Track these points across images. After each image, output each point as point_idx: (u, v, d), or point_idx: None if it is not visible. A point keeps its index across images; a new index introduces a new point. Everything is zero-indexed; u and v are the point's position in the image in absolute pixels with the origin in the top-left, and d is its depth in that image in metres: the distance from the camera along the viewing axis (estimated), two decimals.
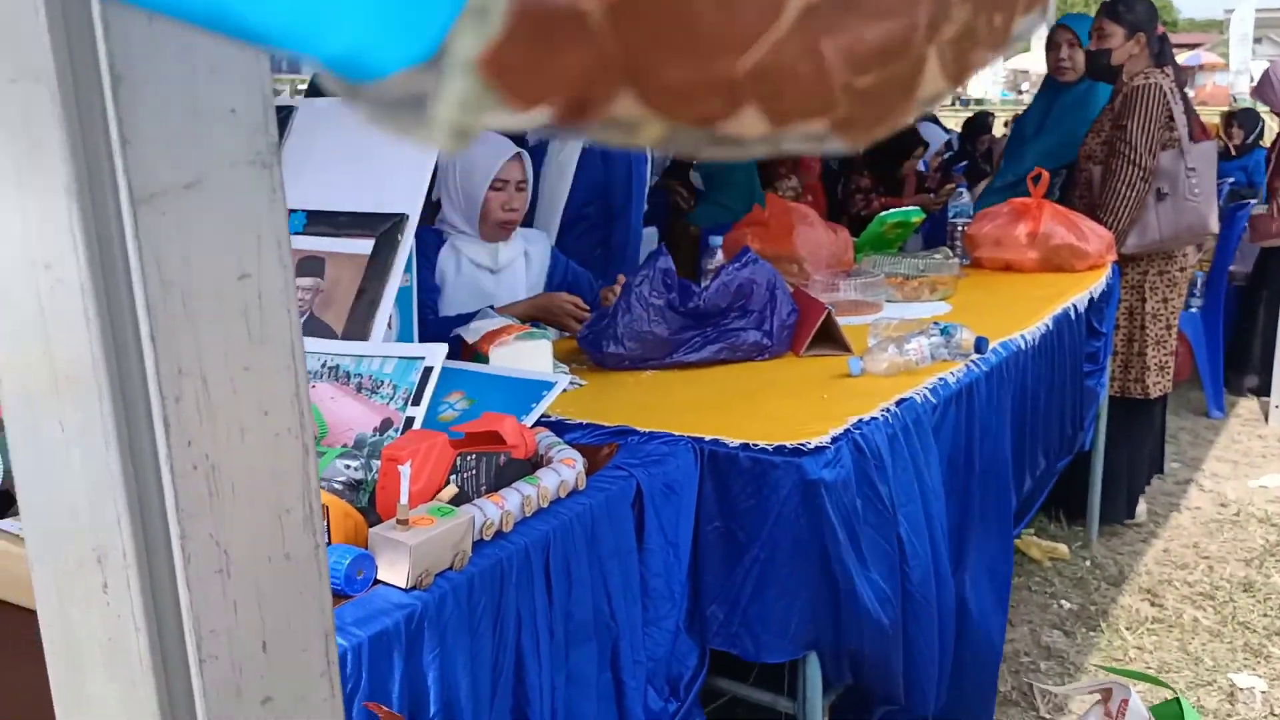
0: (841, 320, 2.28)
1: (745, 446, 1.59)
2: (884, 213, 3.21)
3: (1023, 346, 2.34)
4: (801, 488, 1.55)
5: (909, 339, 2.05)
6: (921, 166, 5.48)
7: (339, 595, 1.11)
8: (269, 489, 0.37)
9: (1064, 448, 2.78)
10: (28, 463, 0.35)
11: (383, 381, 1.44)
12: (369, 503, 1.30)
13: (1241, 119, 6.08)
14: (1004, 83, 30.62)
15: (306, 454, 0.38)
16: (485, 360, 1.79)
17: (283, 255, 0.36)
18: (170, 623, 0.35)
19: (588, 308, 2.25)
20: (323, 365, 1.46)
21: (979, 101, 26.07)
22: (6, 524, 1.19)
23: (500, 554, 1.26)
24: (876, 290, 2.67)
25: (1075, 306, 2.71)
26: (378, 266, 1.54)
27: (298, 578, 0.38)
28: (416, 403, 1.41)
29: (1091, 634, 2.79)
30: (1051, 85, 3.65)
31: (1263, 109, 5.71)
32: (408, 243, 1.56)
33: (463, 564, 1.21)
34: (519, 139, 2.48)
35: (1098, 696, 1.05)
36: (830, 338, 2.16)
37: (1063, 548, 3.22)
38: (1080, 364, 2.80)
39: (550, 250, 2.48)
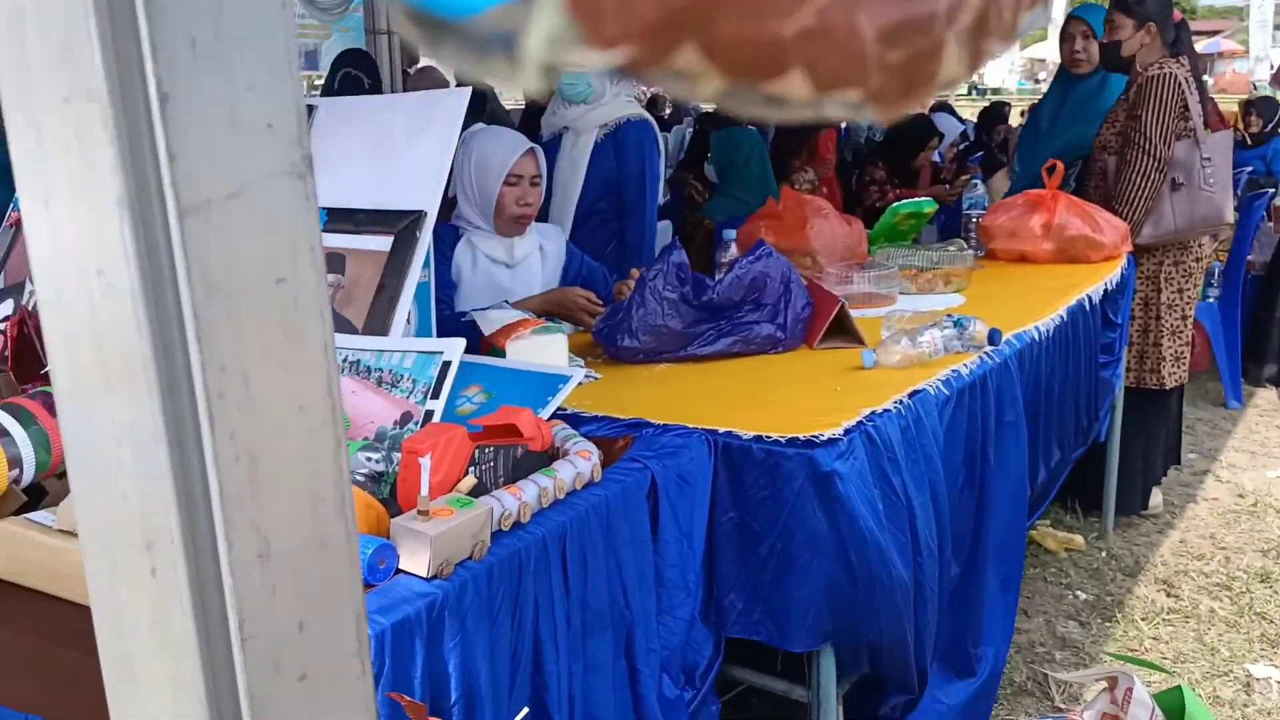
0: (855, 313, 2.30)
1: (759, 438, 1.61)
2: (896, 204, 3.22)
3: (1037, 338, 2.35)
4: (814, 479, 1.57)
5: (922, 331, 2.06)
6: (937, 158, 5.47)
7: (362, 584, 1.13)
8: (305, 479, 0.39)
9: (1079, 439, 2.78)
10: (81, 456, 0.38)
11: (402, 376, 1.46)
12: (390, 494, 1.33)
13: (1260, 107, 6.02)
14: (1021, 71, 30.37)
15: (338, 446, 0.41)
16: (502, 354, 1.82)
17: (316, 260, 0.38)
18: (214, 604, 0.37)
19: (601, 302, 2.27)
20: (344, 360, 1.49)
21: (995, 91, 25.87)
22: (39, 516, 1.22)
23: (518, 544, 1.29)
24: (890, 283, 2.67)
25: (1090, 298, 2.71)
26: (397, 263, 1.56)
27: (331, 562, 0.41)
28: (435, 396, 1.44)
29: (1107, 624, 2.80)
30: (1065, 76, 3.63)
31: None
32: (426, 239, 1.58)
33: (482, 554, 1.24)
34: (532, 135, 2.50)
35: (1104, 685, 1.06)
36: (844, 330, 2.17)
37: (1078, 539, 3.22)
38: (1095, 355, 2.80)
39: (566, 245, 2.50)
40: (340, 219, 1.62)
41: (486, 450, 1.35)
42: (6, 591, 1.19)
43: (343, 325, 1.56)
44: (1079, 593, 2.97)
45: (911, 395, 1.82)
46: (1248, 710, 2.41)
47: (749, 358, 2.09)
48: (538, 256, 2.40)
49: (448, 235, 2.30)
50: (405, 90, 5.73)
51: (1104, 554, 3.18)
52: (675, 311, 2.04)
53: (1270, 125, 5.94)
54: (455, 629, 1.18)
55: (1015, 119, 7.85)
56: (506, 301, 2.16)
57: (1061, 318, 2.51)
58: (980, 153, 6.30)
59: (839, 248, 2.81)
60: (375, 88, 4.42)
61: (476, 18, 0.28)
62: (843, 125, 5.30)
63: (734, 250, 2.72)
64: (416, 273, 1.57)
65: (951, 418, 1.92)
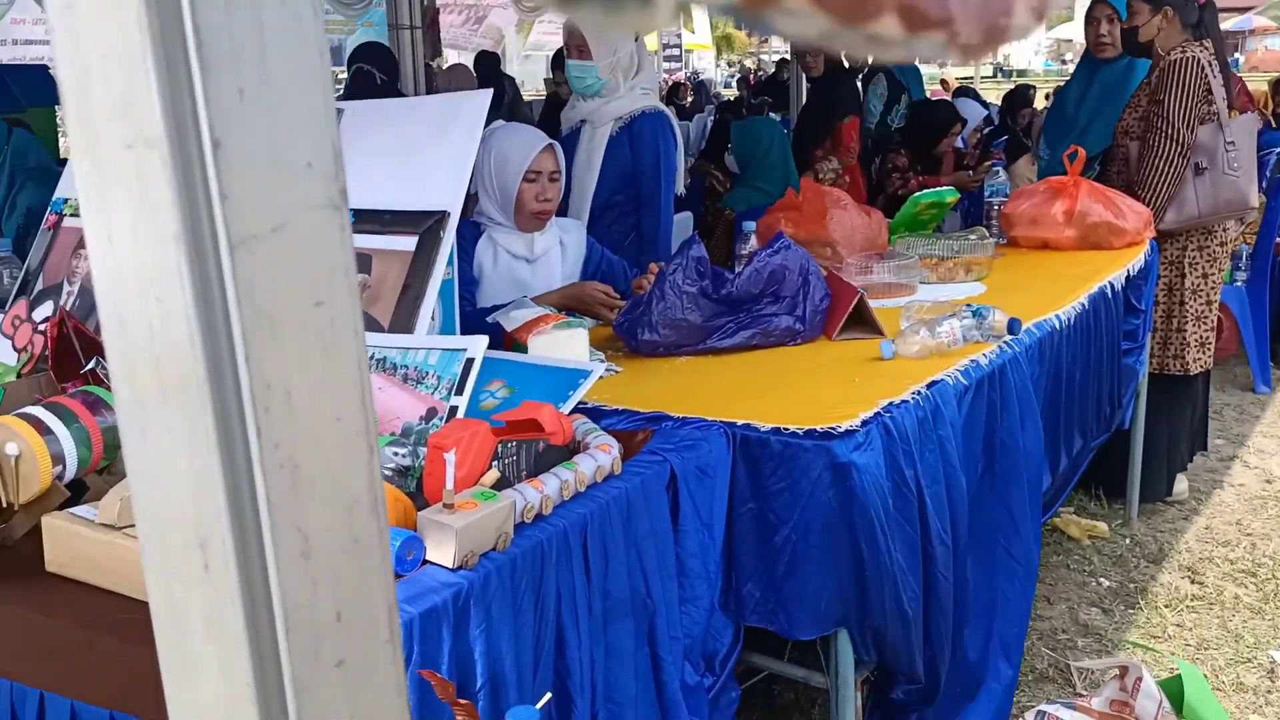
0: (875, 303, 2.31)
1: (776, 430, 1.64)
2: (918, 193, 3.22)
3: (1057, 326, 2.35)
4: (832, 470, 1.60)
5: (941, 321, 2.08)
6: (960, 143, 5.44)
7: None
8: (341, 483, 0.43)
9: (1102, 426, 2.78)
10: (141, 463, 0.41)
11: (427, 372, 1.50)
12: (417, 488, 1.37)
13: None
14: (1047, 52, 29.96)
15: (371, 452, 0.44)
16: (524, 349, 1.85)
17: (350, 284, 0.41)
18: (260, 597, 0.41)
19: (618, 296, 2.30)
20: (371, 357, 1.54)
21: (1021, 73, 25.56)
22: (82, 510, 1.28)
23: (540, 535, 1.33)
24: (910, 272, 2.68)
25: (1112, 285, 2.71)
26: (421, 262, 1.60)
27: (365, 558, 0.44)
28: (459, 392, 1.48)
29: (1130, 611, 2.81)
30: (1091, 60, 3.61)
31: None
32: (449, 238, 1.62)
33: (505, 545, 1.28)
34: (550, 131, 2.53)
35: (1115, 673, 1.08)
36: (863, 321, 2.19)
37: (1102, 526, 3.23)
38: (1118, 342, 2.79)
39: (586, 239, 2.53)
40: (367, 220, 1.66)
41: (509, 445, 1.38)
42: (52, 583, 1.24)
43: (369, 323, 1.60)
44: (1102, 579, 2.98)
45: (930, 386, 1.84)
46: (1271, 696, 2.42)
47: (768, 349, 2.11)
48: (558, 251, 2.43)
49: (469, 232, 2.34)
50: (429, 83, 5.77)
51: (1128, 541, 3.18)
52: (694, 305, 2.07)
53: None
54: (480, 617, 1.23)
55: (1040, 102, 7.78)
56: (526, 297, 2.19)
57: (1083, 305, 2.51)
58: (1005, 137, 6.26)
59: (859, 238, 2.82)
60: (389, 83, 4.44)
61: None
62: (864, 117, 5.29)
63: (753, 242, 2.75)
64: (440, 271, 1.61)
65: (970, 407, 1.94)
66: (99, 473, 1.38)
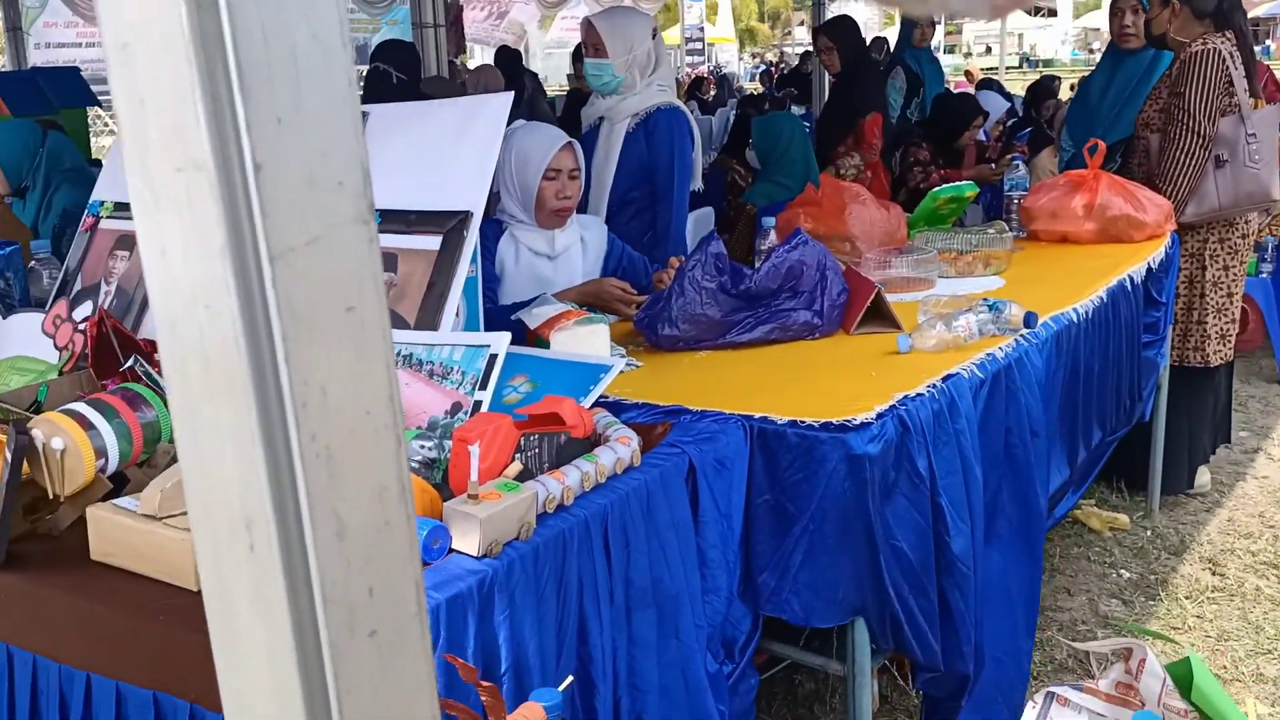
0: (893, 297, 2.33)
1: (793, 423, 1.67)
2: (937, 189, 3.23)
3: (1075, 320, 2.36)
4: (847, 462, 1.63)
5: (957, 316, 2.10)
6: (982, 136, 5.43)
7: None
8: (372, 471, 0.47)
9: (1121, 419, 2.78)
10: (192, 454, 0.46)
11: (452, 368, 1.55)
12: (443, 479, 1.42)
13: None
14: (1074, 42, 29.60)
15: (399, 443, 0.49)
16: (546, 344, 1.90)
17: (378, 290, 0.46)
18: (300, 575, 0.46)
19: (635, 292, 2.33)
20: (398, 354, 1.58)
21: (1048, 63, 25.28)
22: (124, 502, 1.33)
23: (562, 525, 1.37)
24: (929, 266, 2.70)
25: (1131, 278, 2.71)
26: (446, 261, 1.65)
27: (394, 540, 0.49)
28: (483, 387, 1.52)
29: (1150, 603, 2.81)
30: (1115, 51, 3.60)
31: None
32: (473, 238, 1.66)
33: (528, 534, 1.32)
34: (570, 129, 2.57)
35: (1121, 655, 1.11)
36: (880, 315, 2.22)
37: (1123, 518, 3.23)
38: (1138, 335, 2.80)
39: (607, 236, 2.57)
40: (393, 220, 1.71)
41: (531, 438, 1.43)
42: (97, 571, 1.30)
43: (396, 321, 1.65)
44: (1123, 571, 2.98)
45: (945, 379, 1.87)
46: None
47: (786, 344, 2.14)
48: (579, 248, 2.47)
49: (491, 230, 2.38)
50: (454, 80, 5.82)
51: (1149, 533, 3.19)
52: (714, 300, 2.10)
53: None
54: (504, 604, 1.27)
55: (1065, 92, 7.71)
56: (548, 294, 2.24)
57: (1101, 299, 2.51)
58: (1029, 129, 6.23)
59: (877, 233, 2.84)
60: (406, 83, 4.45)
61: None
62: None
63: (773, 238, 2.77)
64: (464, 270, 1.66)
65: (986, 400, 1.96)
66: (139, 466, 1.44)
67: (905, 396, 1.76)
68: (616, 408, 1.75)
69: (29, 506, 1.38)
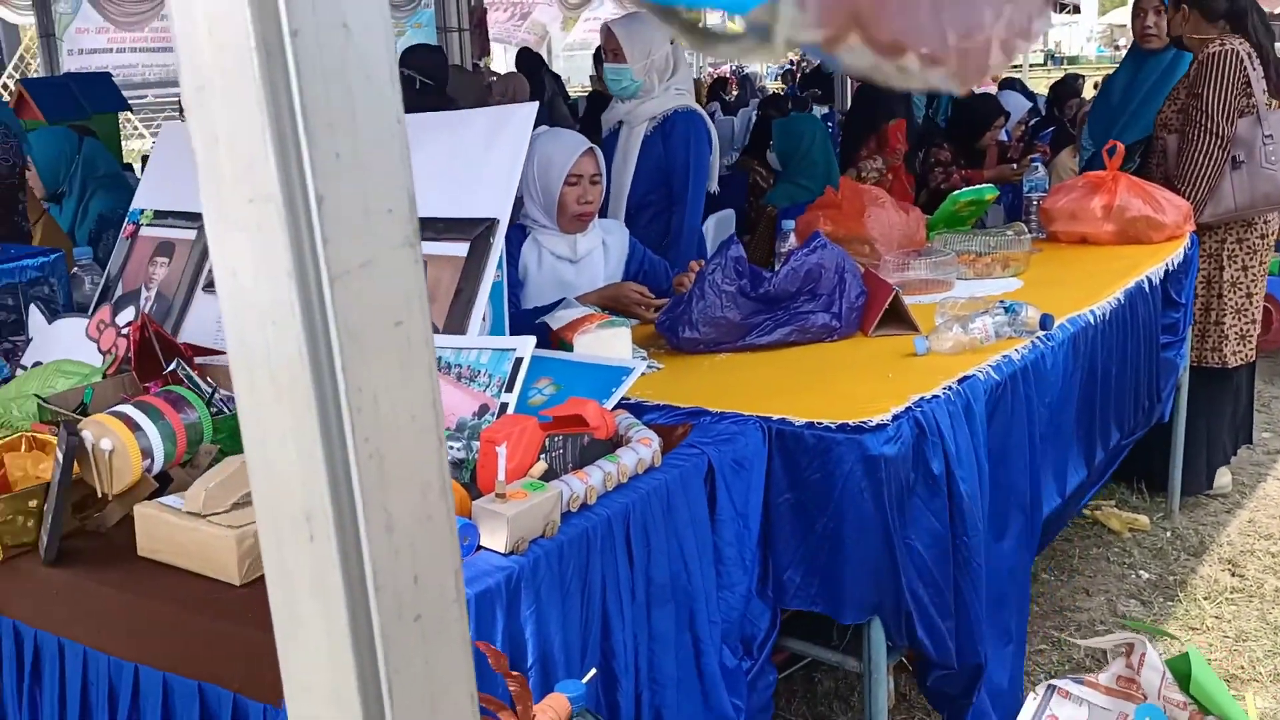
0: (912, 299, 2.36)
1: (810, 425, 1.71)
2: (957, 191, 3.25)
3: (1092, 321, 2.38)
4: (863, 463, 1.67)
5: (974, 318, 2.13)
6: (1003, 136, 5.42)
7: None
8: (417, 470, 0.52)
9: (1140, 420, 2.80)
10: (258, 454, 0.51)
11: (479, 371, 1.60)
12: (470, 479, 1.47)
13: None
14: (1100, 39, 29.33)
15: (440, 445, 0.53)
16: (570, 347, 1.94)
17: (423, 306, 0.50)
18: (354, 563, 0.50)
19: (654, 296, 2.38)
20: None
21: (1073, 60, 25.05)
22: (169, 500, 1.39)
23: (586, 524, 1.42)
24: (947, 268, 2.72)
25: (1150, 279, 2.72)
26: (473, 266, 1.70)
27: (436, 532, 0.54)
28: (509, 390, 1.57)
29: (1169, 603, 2.83)
30: (1138, 51, 3.60)
31: None
32: (499, 244, 1.71)
33: (553, 532, 1.37)
34: (591, 131, 2.62)
35: (1122, 650, 1.14)
36: (898, 317, 2.25)
37: (1143, 519, 3.24)
38: (1156, 336, 2.81)
39: (629, 240, 2.61)
40: (422, 227, 1.75)
41: (556, 439, 1.48)
42: (145, 567, 1.36)
43: None
44: (1142, 572, 3.00)
45: (961, 381, 1.90)
46: None
47: (805, 346, 2.18)
48: (601, 252, 2.51)
49: (514, 235, 2.43)
50: (478, 83, 5.88)
51: (1169, 534, 3.19)
52: (733, 303, 2.14)
53: None
54: (530, 599, 1.32)
55: (1089, 91, 7.67)
56: (571, 298, 2.28)
57: (1119, 300, 2.53)
58: (1051, 128, 6.21)
59: (896, 235, 2.87)
60: (430, 87, 4.47)
61: (745, 15, 0.47)
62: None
63: (793, 240, 2.81)
64: (490, 275, 1.71)
65: (1001, 402, 1.99)
66: (182, 465, 1.50)
67: (921, 398, 1.79)
68: (638, 409, 1.79)
69: (78, 505, 1.44)
